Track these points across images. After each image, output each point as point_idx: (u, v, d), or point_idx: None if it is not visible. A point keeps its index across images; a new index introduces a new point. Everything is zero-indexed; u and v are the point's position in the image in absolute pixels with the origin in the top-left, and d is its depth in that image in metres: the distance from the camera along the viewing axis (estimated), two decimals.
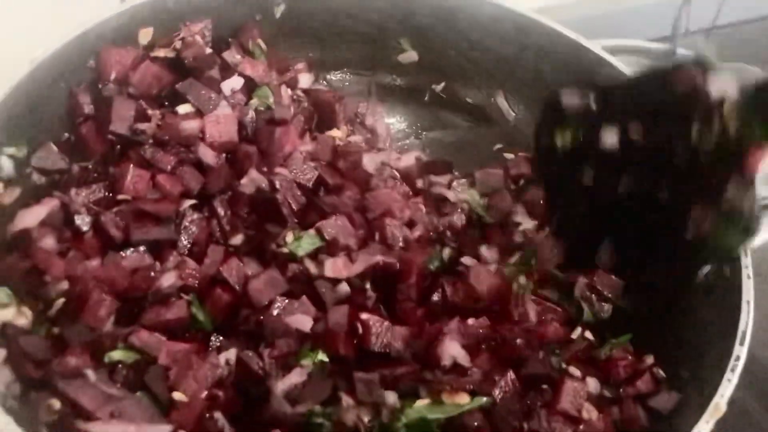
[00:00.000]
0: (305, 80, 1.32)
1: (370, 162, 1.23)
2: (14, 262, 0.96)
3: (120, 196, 1.04)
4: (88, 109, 1.09)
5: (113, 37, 1.12)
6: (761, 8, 2.07)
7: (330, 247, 1.05)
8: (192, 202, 1.07)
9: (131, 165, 1.05)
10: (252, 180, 1.10)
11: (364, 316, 0.98)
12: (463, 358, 0.99)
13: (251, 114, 1.16)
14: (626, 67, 1.18)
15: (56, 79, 1.07)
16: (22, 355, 0.89)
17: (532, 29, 1.25)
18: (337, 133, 1.28)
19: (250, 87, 1.20)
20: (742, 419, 1.27)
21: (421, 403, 0.92)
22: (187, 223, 1.05)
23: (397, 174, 1.25)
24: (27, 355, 0.89)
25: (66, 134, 1.10)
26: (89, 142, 1.09)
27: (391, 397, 0.93)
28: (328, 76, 1.36)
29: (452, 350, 0.98)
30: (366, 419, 0.90)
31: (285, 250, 1.04)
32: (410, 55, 1.34)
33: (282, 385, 0.93)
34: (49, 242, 0.98)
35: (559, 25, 1.23)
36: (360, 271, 1.04)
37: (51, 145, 1.08)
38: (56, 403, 0.85)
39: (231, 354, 0.97)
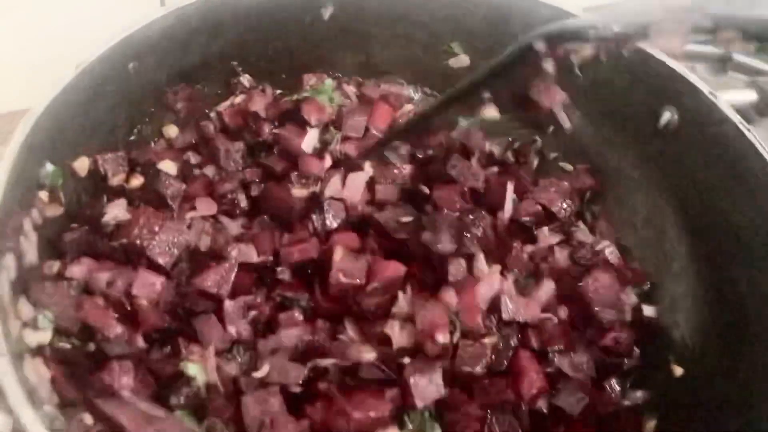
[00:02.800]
0: None
1: None
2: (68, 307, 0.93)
3: None
4: None
5: (158, 38, 1.09)
6: None
7: None
8: None
9: None
10: None
11: None
12: None
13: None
14: (698, 78, 1.11)
15: (102, 83, 1.04)
16: (63, 373, 0.86)
17: None
18: None
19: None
20: None
21: None
22: None
23: None
24: (67, 372, 0.86)
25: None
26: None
27: None
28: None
29: None
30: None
31: None
32: (461, 60, 1.29)
33: None
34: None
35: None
36: None
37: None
38: (87, 418, 0.82)
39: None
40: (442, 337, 0.91)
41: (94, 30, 1.06)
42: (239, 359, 0.98)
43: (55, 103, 0.95)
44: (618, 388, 1.05)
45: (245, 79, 1.24)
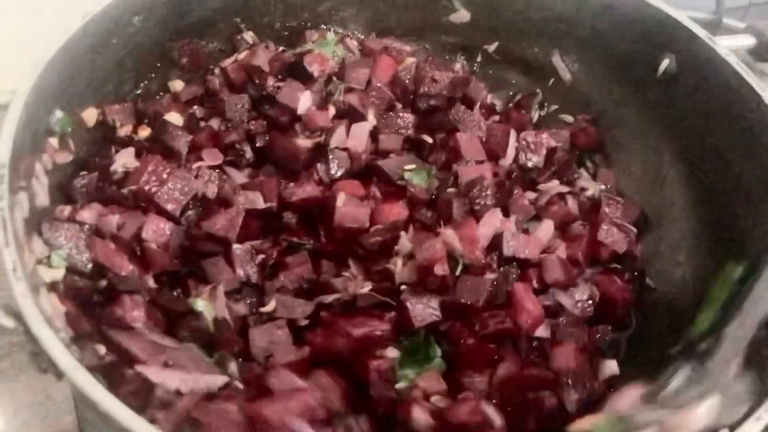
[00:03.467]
0: None
1: None
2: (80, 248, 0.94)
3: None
4: None
5: None
6: None
7: None
8: None
9: None
10: None
11: None
12: None
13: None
14: (695, 24, 1.12)
15: (107, 35, 1.06)
16: (76, 307, 0.88)
17: None
18: None
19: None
20: None
21: None
22: None
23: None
24: (80, 306, 0.89)
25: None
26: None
27: None
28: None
29: None
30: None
31: None
32: (462, 15, 1.30)
33: None
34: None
35: None
36: None
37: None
38: (101, 348, 0.84)
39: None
40: (441, 269, 0.93)
41: None
42: (247, 300, 1.00)
43: (63, 51, 0.97)
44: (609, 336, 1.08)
45: (248, 36, 1.25)
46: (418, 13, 1.30)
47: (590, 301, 1.04)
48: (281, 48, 1.27)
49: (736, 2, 1.95)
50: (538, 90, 1.32)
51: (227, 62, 1.24)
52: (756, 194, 1.03)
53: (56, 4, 1.06)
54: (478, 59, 1.33)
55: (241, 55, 1.23)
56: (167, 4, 1.13)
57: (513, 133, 1.16)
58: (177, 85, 1.21)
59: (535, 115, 1.31)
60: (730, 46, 1.11)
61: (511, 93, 1.33)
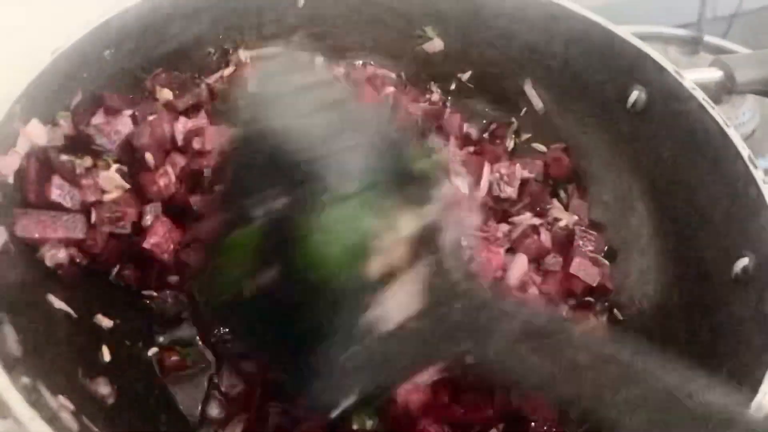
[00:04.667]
0: None
1: None
2: None
3: None
4: None
5: (134, 25, 1.11)
6: None
7: None
8: None
9: None
10: None
11: None
12: None
13: None
14: (661, 56, 1.14)
15: (78, 70, 1.05)
16: None
17: (560, 16, 1.21)
18: None
19: None
20: None
21: None
22: None
23: None
24: None
25: None
26: None
27: None
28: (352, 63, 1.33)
29: None
30: None
31: None
32: (435, 44, 1.31)
33: None
34: None
35: (590, 11, 1.20)
36: None
37: None
38: None
39: None
40: None
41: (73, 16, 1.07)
42: None
43: (30, 89, 0.96)
44: None
45: (243, 54, 1.24)
46: (392, 43, 1.31)
47: None
48: None
49: (720, 11, 1.98)
50: (513, 119, 1.33)
51: (212, 78, 1.23)
52: (721, 228, 1.05)
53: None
54: (452, 87, 1.34)
55: (227, 72, 1.23)
56: (140, 36, 1.13)
57: (487, 166, 1.17)
58: (166, 94, 1.18)
59: (511, 144, 1.32)
60: (697, 80, 1.13)
61: (485, 121, 1.35)
